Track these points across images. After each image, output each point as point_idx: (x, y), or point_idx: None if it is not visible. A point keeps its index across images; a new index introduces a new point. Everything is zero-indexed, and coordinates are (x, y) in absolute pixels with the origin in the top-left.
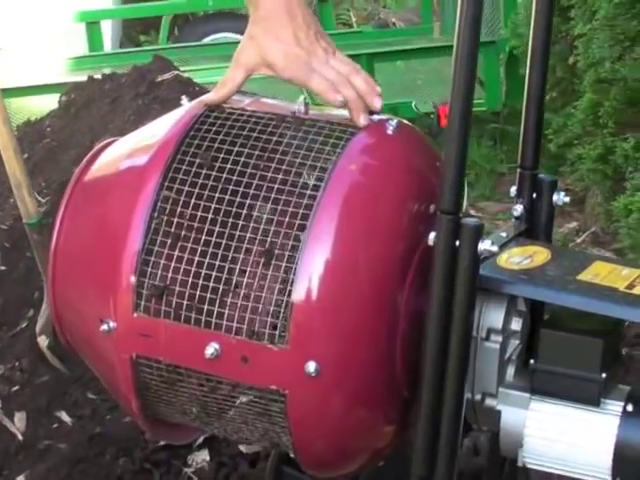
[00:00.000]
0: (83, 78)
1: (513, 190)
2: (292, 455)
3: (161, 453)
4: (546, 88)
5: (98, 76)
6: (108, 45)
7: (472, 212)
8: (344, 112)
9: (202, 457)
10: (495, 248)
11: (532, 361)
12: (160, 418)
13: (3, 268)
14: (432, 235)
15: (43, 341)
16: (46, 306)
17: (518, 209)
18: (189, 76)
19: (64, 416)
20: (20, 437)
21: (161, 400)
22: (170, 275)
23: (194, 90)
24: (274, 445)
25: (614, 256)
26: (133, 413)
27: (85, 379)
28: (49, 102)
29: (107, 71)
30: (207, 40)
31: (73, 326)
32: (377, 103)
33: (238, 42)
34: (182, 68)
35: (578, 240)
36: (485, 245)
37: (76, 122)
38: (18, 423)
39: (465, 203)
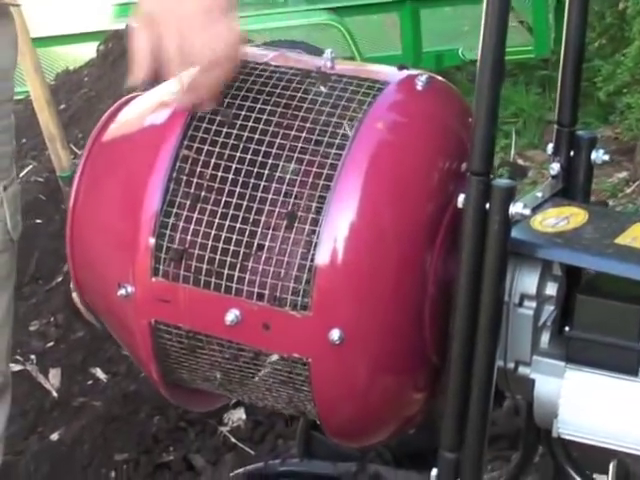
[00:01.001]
0: (122, 26)
1: (550, 148)
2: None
3: (196, 412)
4: (586, 38)
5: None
6: None
7: (519, 161)
8: (373, 67)
9: (238, 416)
10: (527, 211)
11: (567, 328)
12: (182, 384)
13: (39, 221)
14: (461, 197)
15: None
16: None
17: (555, 167)
18: None
19: (99, 373)
20: (55, 394)
21: (182, 366)
22: (189, 238)
23: None
24: (300, 413)
25: None
26: (153, 379)
27: None
28: (89, 50)
29: None
30: None
31: (92, 289)
32: None
33: None
34: None
35: (628, 190)
36: (517, 208)
37: (114, 72)
38: (53, 379)
39: (512, 152)
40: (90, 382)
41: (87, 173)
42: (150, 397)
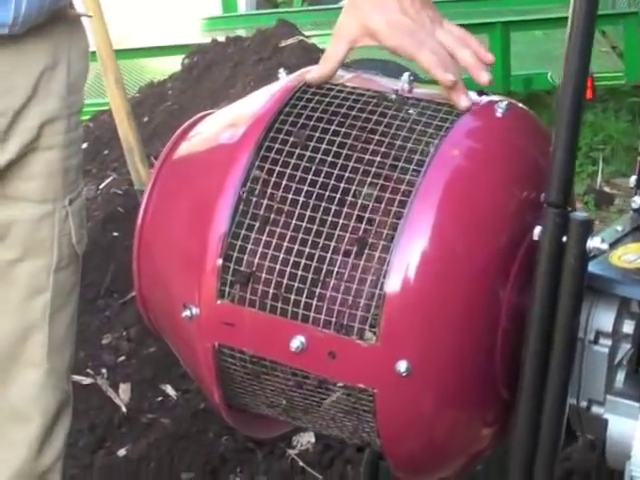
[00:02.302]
0: (207, 40)
1: (633, 180)
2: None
3: None
4: None
5: (222, 39)
6: (243, 6)
7: (606, 189)
8: None
9: (307, 439)
10: (605, 246)
11: None
12: (245, 409)
13: (116, 234)
14: (537, 229)
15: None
16: None
17: (637, 200)
18: (314, 42)
19: (169, 389)
20: (124, 409)
21: (246, 391)
22: (257, 261)
23: (318, 56)
24: (365, 444)
25: None
26: (215, 403)
27: None
28: (173, 64)
29: (232, 34)
30: (343, 2)
31: (157, 308)
32: (483, 78)
33: None
34: (307, 33)
35: None
36: (595, 242)
37: (198, 85)
38: (123, 394)
39: (599, 179)
40: (160, 398)
41: (157, 190)
42: (219, 416)
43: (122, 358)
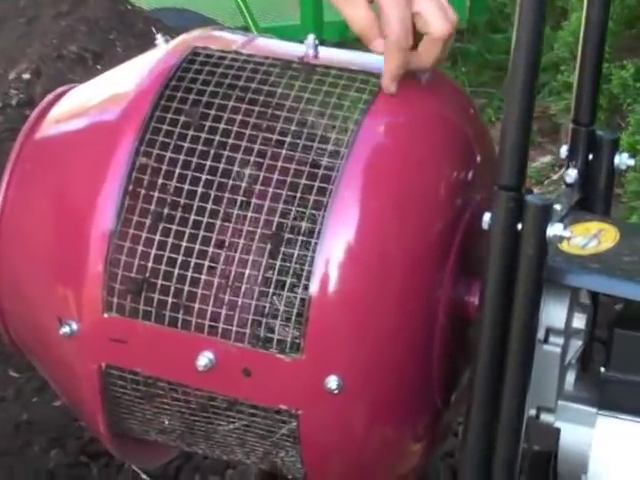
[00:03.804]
0: None
1: (564, 150)
2: None
3: (100, 443)
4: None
5: None
6: None
7: None
8: (364, 57)
9: None
10: (568, 233)
11: (602, 369)
12: (131, 435)
13: None
14: (487, 216)
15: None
16: None
17: (571, 174)
18: None
19: None
20: None
21: (134, 417)
22: (151, 265)
23: (126, 9)
24: (275, 468)
25: None
26: (99, 432)
27: (6, 354)
28: None
29: None
30: None
31: (21, 323)
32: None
33: None
34: None
35: (554, 177)
36: (555, 230)
37: None
38: None
39: None
40: None
41: (15, 181)
42: (45, 427)
43: None
